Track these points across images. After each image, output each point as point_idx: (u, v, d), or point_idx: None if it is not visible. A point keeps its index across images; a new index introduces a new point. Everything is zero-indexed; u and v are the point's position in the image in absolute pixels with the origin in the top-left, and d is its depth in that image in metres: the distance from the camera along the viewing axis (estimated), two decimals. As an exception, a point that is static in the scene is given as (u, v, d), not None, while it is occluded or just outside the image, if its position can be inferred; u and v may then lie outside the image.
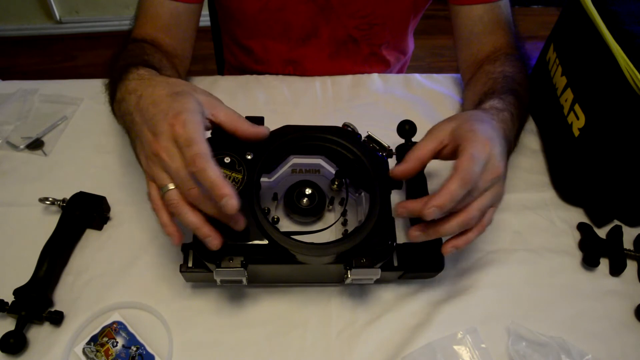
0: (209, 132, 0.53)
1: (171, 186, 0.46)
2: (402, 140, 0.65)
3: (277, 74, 0.86)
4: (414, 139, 0.65)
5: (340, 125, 0.58)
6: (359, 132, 0.58)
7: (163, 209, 0.48)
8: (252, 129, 0.51)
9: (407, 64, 1.08)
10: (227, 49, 1.00)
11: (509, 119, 0.58)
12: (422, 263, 0.56)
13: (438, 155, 0.53)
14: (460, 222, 0.48)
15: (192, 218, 0.46)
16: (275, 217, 0.62)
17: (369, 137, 0.58)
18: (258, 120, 0.57)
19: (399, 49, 0.95)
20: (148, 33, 0.71)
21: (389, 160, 0.59)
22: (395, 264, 0.56)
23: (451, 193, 0.45)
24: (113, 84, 0.59)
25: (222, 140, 0.55)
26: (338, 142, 0.57)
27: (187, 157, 0.44)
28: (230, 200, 0.42)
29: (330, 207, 0.65)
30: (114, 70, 0.62)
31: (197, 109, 0.47)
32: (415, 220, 0.55)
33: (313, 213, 0.62)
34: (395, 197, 0.64)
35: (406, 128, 0.65)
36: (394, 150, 0.63)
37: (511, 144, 0.58)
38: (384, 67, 0.95)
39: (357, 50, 0.89)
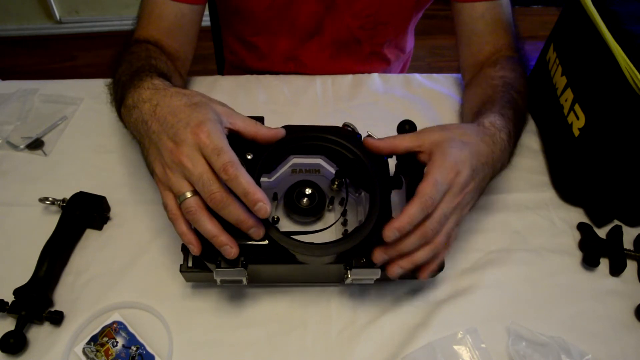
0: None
1: (189, 194, 0.47)
2: None
3: (277, 71, 0.86)
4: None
5: (340, 125, 0.58)
6: (359, 132, 0.58)
7: (181, 218, 0.48)
8: (271, 132, 0.53)
9: (409, 62, 1.08)
10: (227, 48, 1.00)
11: (505, 139, 0.59)
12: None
13: (416, 156, 0.54)
14: (429, 251, 0.51)
15: (210, 226, 0.47)
16: (275, 217, 0.62)
17: (369, 137, 0.58)
18: (258, 120, 0.57)
19: (400, 47, 0.95)
20: (152, 35, 0.71)
21: (389, 160, 0.59)
22: None
23: (410, 217, 0.48)
24: (121, 87, 0.59)
25: None
26: (338, 142, 0.57)
27: (217, 166, 0.45)
28: (264, 206, 0.45)
29: (330, 207, 0.65)
30: (120, 74, 0.62)
31: (217, 119, 0.49)
32: None
33: (313, 213, 0.62)
34: (395, 197, 0.64)
35: (406, 128, 0.65)
36: None
37: (499, 166, 0.59)
38: (384, 65, 0.96)
39: (358, 50, 0.89)
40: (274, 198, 0.64)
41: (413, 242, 0.49)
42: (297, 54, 0.89)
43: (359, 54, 0.90)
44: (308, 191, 0.61)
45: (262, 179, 0.59)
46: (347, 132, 0.58)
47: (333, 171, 0.62)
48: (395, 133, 0.65)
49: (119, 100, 0.59)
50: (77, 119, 0.76)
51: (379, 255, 0.50)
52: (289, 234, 0.51)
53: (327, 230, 0.60)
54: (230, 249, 0.47)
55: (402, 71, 1.07)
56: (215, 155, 0.45)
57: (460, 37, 0.80)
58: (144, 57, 0.64)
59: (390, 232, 0.47)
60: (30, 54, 2.10)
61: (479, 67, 0.76)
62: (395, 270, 0.51)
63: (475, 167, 0.53)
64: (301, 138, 0.56)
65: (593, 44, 0.61)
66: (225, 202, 0.45)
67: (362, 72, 0.87)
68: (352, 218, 0.63)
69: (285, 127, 0.56)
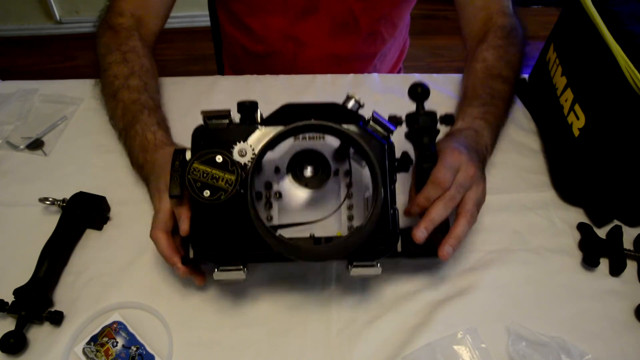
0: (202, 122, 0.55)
1: None
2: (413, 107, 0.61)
3: (278, 50, 0.87)
4: (426, 104, 0.61)
5: (344, 97, 0.56)
6: (364, 106, 0.56)
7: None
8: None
9: (405, 52, 1.08)
10: (227, 39, 1.00)
11: (473, 134, 0.66)
12: (425, 247, 0.55)
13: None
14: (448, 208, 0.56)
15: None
16: (278, 193, 0.57)
17: (373, 118, 0.55)
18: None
19: (395, 23, 0.94)
20: (134, 10, 0.76)
21: (399, 127, 0.57)
22: (399, 249, 0.55)
23: (424, 194, 0.56)
24: (126, 138, 0.67)
25: (215, 138, 0.52)
26: (336, 130, 0.53)
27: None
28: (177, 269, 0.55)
29: (337, 170, 0.58)
30: (118, 88, 0.69)
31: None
32: None
33: (317, 185, 0.57)
34: (399, 191, 0.63)
35: (418, 91, 0.60)
36: (402, 118, 0.60)
37: (483, 149, 0.65)
38: (381, 45, 0.96)
39: (357, 30, 0.89)
40: (276, 171, 0.57)
41: (429, 191, 0.55)
42: (294, 33, 0.89)
43: (357, 34, 0.90)
44: (311, 162, 0.57)
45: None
46: (347, 113, 0.54)
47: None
48: (398, 135, 0.64)
49: (127, 147, 0.68)
50: (77, 119, 0.76)
51: (418, 232, 0.54)
52: (290, 225, 0.50)
53: (329, 218, 0.57)
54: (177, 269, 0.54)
55: (399, 58, 1.07)
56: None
57: (457, 5, 0.83)
58: (136, 89, 0.69)
59: (412, 208, 0.57)
60: (30, 54, 2.10)
61: (476, 37, 0.79)
62: (445, 250, 0.55)
63: (470, 149, 0.62)
64: (300, 128, 0.51)
65: (593, 44, 0.61)
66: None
67: (362, 52, 0.86)
68: (358, 197, 0.57)
69: (285, 106, 0.54)
